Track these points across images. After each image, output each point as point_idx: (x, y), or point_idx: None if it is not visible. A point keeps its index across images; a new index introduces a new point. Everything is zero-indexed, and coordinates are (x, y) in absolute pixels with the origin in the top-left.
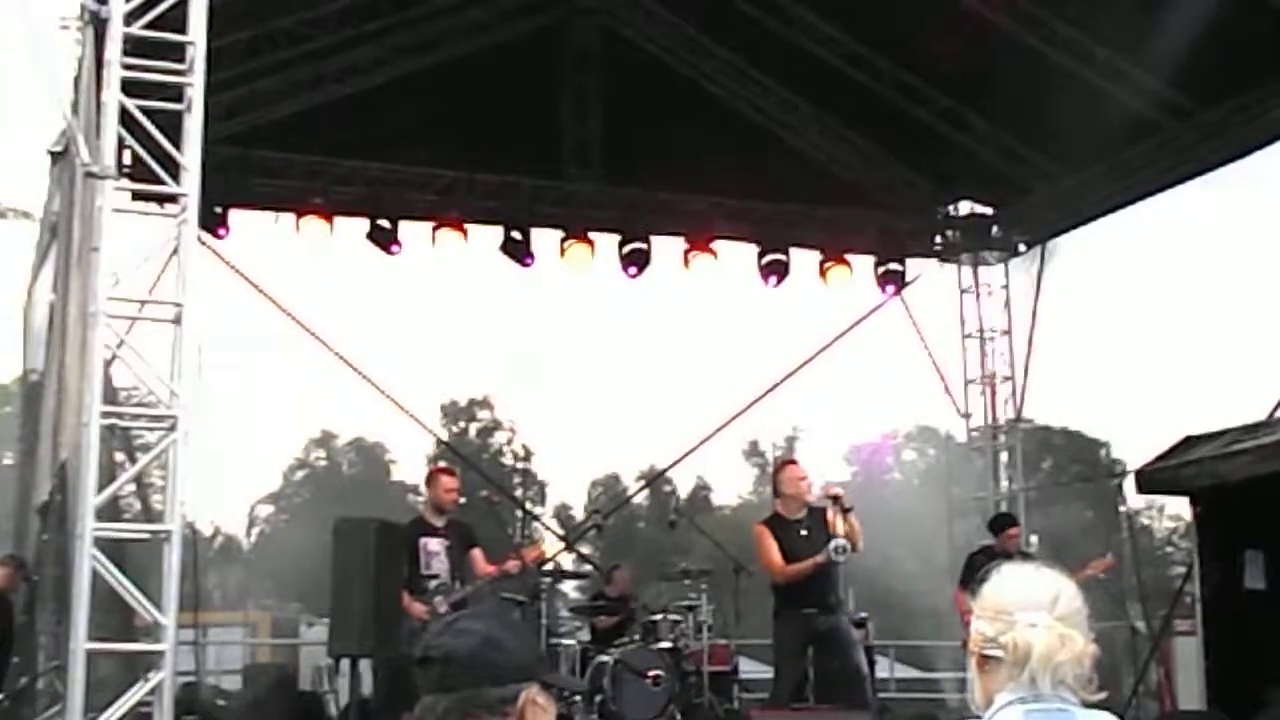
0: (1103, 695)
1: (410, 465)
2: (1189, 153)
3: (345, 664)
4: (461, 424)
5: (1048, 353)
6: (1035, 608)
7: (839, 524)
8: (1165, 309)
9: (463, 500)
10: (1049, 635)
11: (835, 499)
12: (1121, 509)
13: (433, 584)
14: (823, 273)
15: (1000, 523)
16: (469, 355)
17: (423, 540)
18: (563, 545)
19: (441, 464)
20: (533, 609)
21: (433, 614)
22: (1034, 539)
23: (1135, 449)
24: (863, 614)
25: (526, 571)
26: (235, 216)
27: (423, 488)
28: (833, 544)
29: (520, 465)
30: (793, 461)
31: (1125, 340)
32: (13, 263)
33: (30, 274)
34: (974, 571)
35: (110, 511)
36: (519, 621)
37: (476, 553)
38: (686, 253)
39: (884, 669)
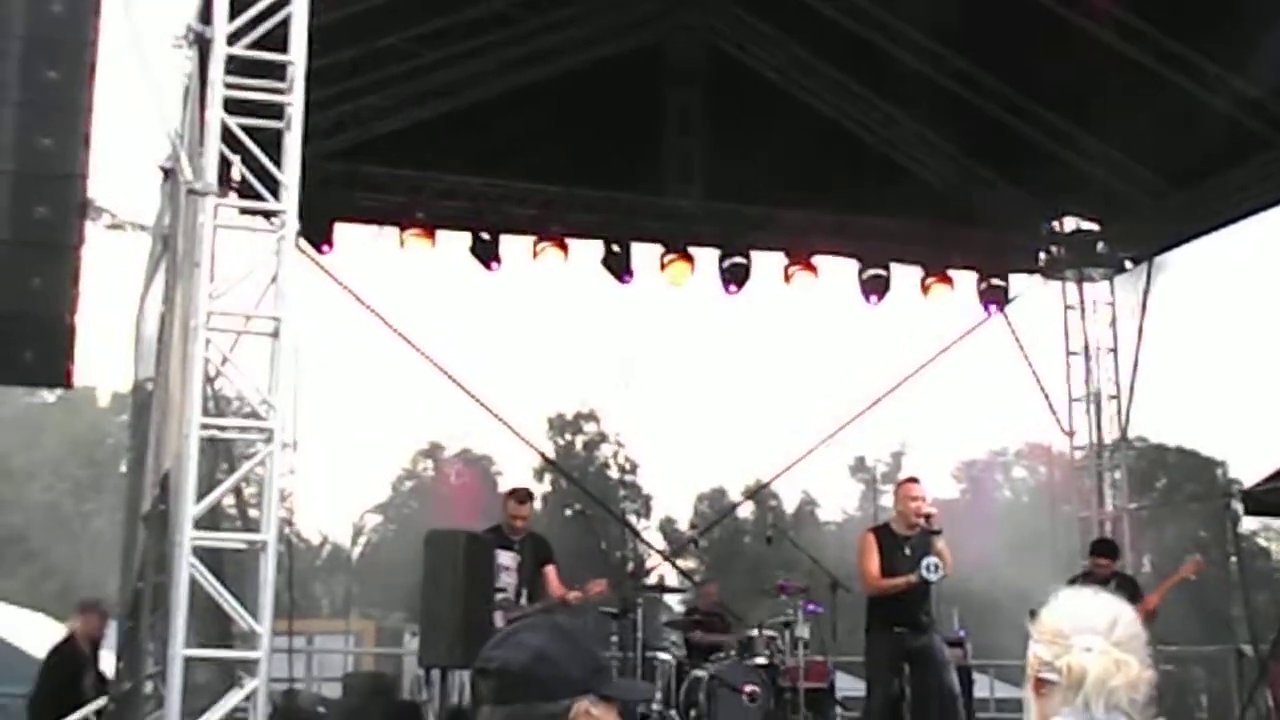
0: None
1: (517, 477)
2: None
3: (436, 674)
4: (568, 437)
5: (1157, 370)
6: (1091, 632)
7: (936, 547)
8: (1276, 326)
9: (568, 513)
10: (1104, 660)
11: (927, 517)
12: (1233, 530)
13: (498, 597)
14: (925, 289)
15: (1094, 549)
16: (574, 368)
17: (496, 552)
18: (663, 560)
19: (514, 486)
20: (628, 621)
21: (491, 629)
22: (1145, 560)
23: (1253, 469)
24: (961, 632)
25: (589, 602)
26: (340, 231)
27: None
28: (925, 563)
29: (626, 478)
30: (913, 480)
31: (1237, 357)
32: (129, 275)
33: (143, 286)
34: None
35: (211, 520)
36: (578, 633)
37: (549, 570)
38: (787, 269)
39: (983, 688)
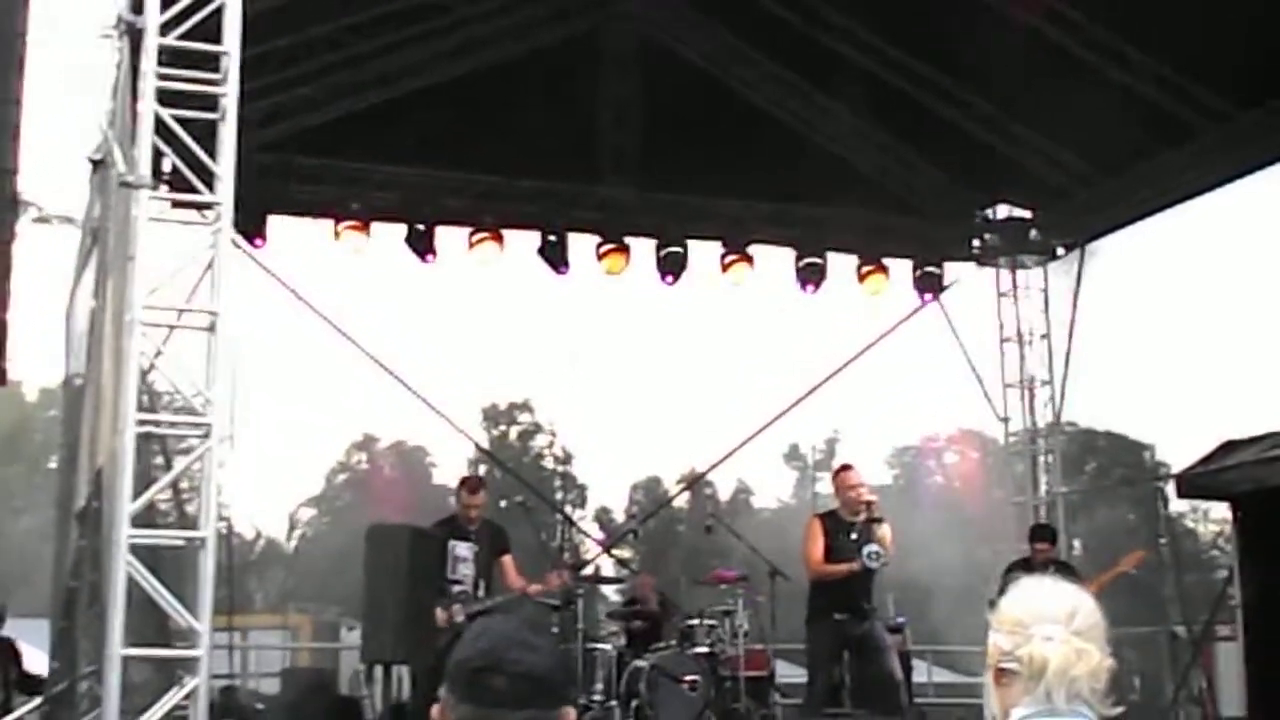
0: (1119, 710)
1: (452, 468)
2: (1228, 156)
3: (379, 669)
4: (502, 427)
5: (1088, 356)
6: (1051, 621)
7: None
8: (1207, 311)
9: (502, 504)
10: (1065, 649)
11: (868, 505)
12: (1163, 513)
13: (455, 589)
14: (861, 277)
15: (1033, 534)
16: (509, 359)
17: (452, 543)
18: (601, 550)
19: (467, 475)
20: (569, 613)
21: (451, 621)
22: (1076, 543)
23: (1180, 452)
24: (900, 619)
25: (551, 592)
26: (273, 223)
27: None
28: (867, 550)
29: (561, 468)
30: (848, 467)
31: (1168, 343)
32: (56, 268)
33: (72, 279)
34: (1009, 582)
35: (147, 516)
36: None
37: (507, 560)
38: (723, 258)
39: (922, 673)
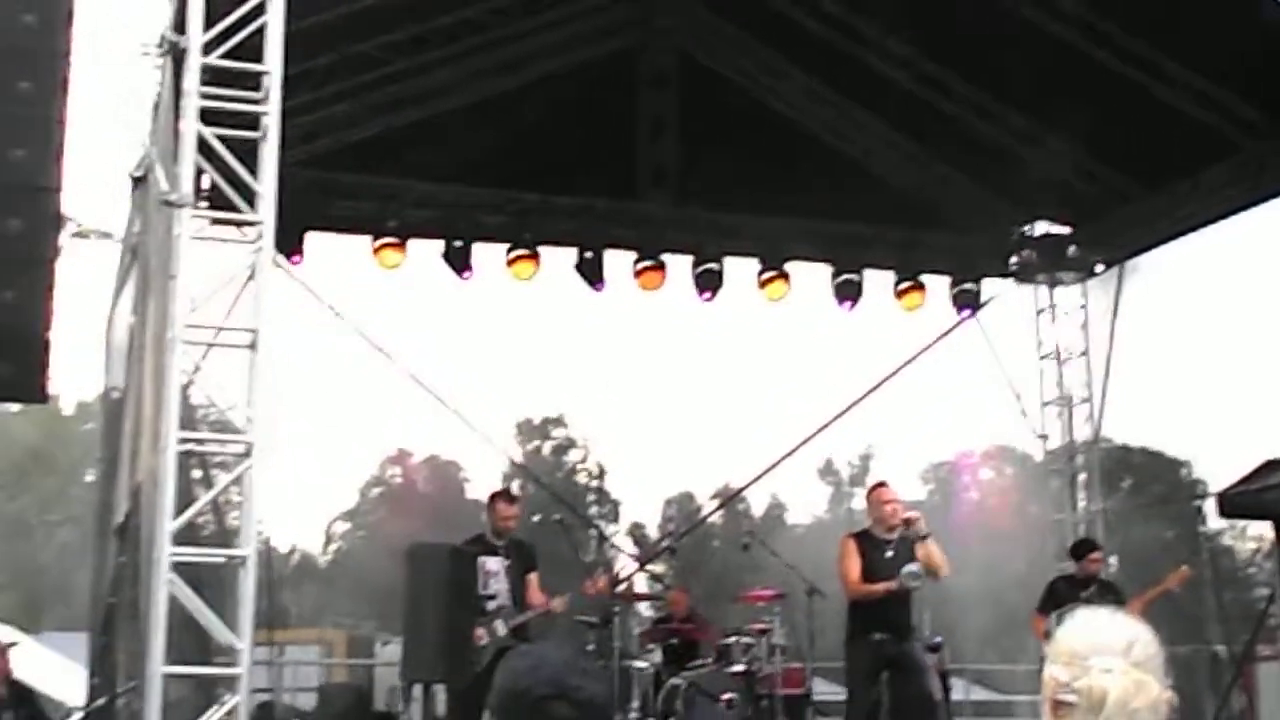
0: None
1: (485, 483)
2: (1268, 172)
3: (418, 687)
4: (536, 442)
5: (1127, 373)
6: (1110, 653)
7: (920, 551)
8: (1246, 329)
9: (535, 519)
10: (1124, 681)
11: (907, 523)
12: (1201, 530)
13: (490, 604)
14: (898, 294)
15: (1082, 548)
16: (544, 374)
17: (482, 559)
18: (636, 566)
19: (500, 488)
20: (606, 632)
21: (492, 636)
22: (1113, 560)
23: (1217, 468)
24: (938, 638)
25: (591, 599)
26: (311, 239)
27: (487, 508)
28: (906, 570)
29: (594, 483)
30: (883, 484)
31: (1206, 360)
32: (95, 282)
33: (112, 295)
34: (1054, 598)
35: (188, 532)
36: None
37: (532, 578)
38: (760, 275)
39: (959, 692)
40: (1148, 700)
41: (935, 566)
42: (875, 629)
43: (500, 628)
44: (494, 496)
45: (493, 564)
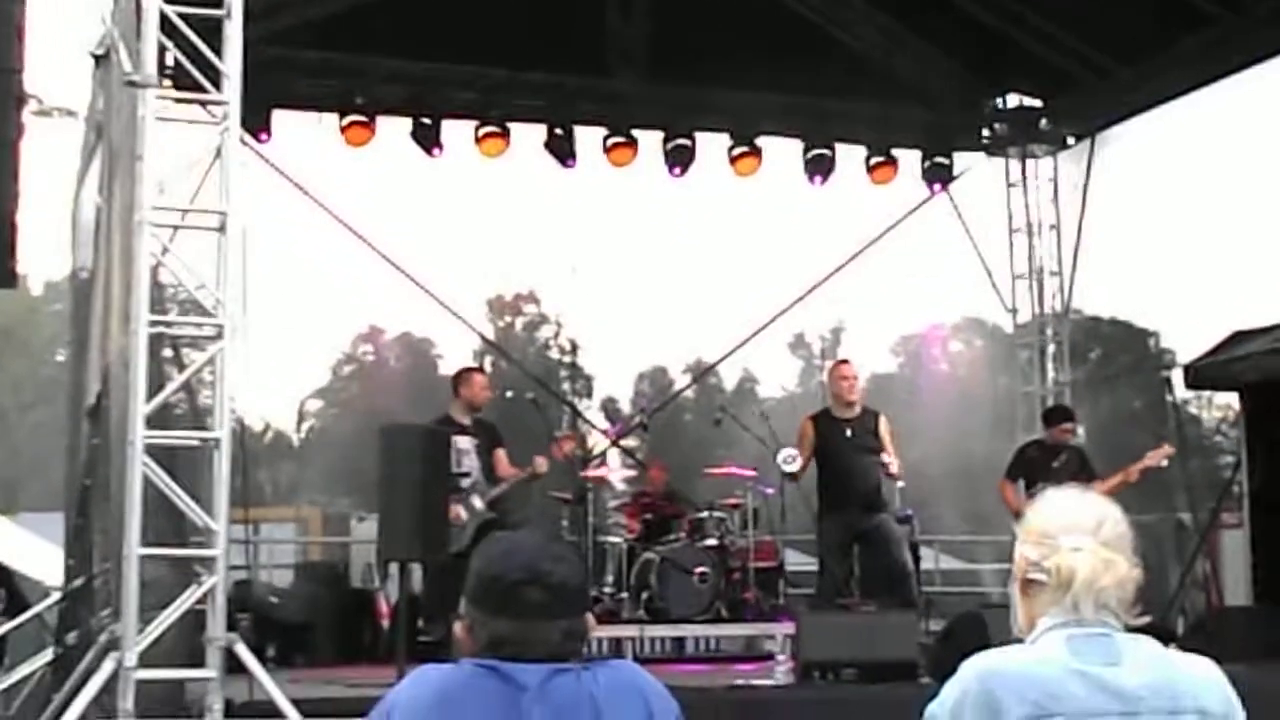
0: (1146, 619)
1: (457, 360)
2: (1241, 44)
3: (394, 565)
4: (507, 318)
5: (1097, 245)
6: (1079, 532)
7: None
8: (1217, 201)
9: (508, 395)
10: (1092, 559)
11: (891, 475)
12: (1169, 399)
13: (465, 483)
14: (869, 169)
15: (1055, 415)
16: (515, 252)
17: (454, 438)
18: (610, 441)
19: (468, 365)
20: (579, 508)
21: (470, 512)
22: (1080, 430)
23: (1185, 338)
24: (907, 510)
25: (568, 463)
26: (278, 117)
27: (456, 386)
28: (781, 454)
29: (566, 359)
30: (844, 361)
31: (1177, 232)
32: (59, 161)
33: (77, 173)
34: (1022, 463)
35: (160, 414)
36: None
37: (500, 453)
38: (731, 154)
39: (929, 561)
40: (1116, 578)
41: (889, 468)
42: (847, 503)
43: (477, 502)
44: (468, 371)
45: (464, 442)
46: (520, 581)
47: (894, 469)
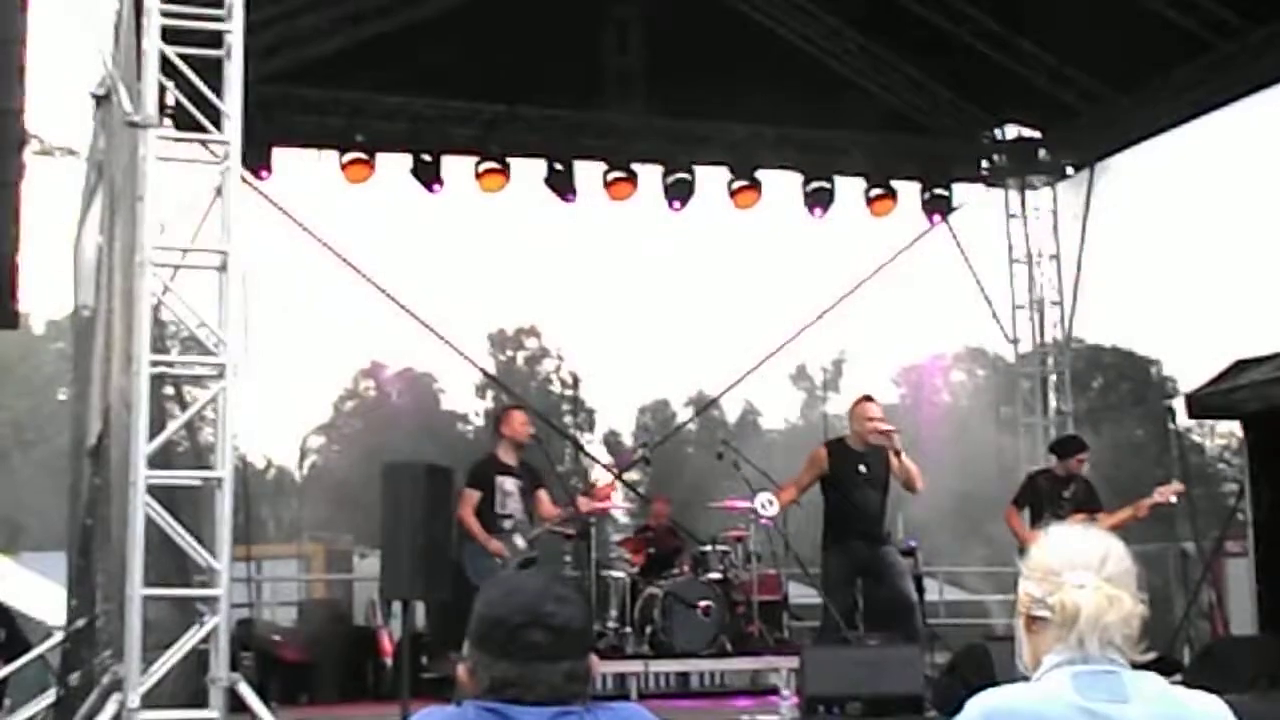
0: (1152, 655)
1: (458, 395)
2: (1239, 71)
3: (397, 603)
4: (509, 353)
5: (1098, 275)
6: (1083, 568)
7: (895, 464)
8: (1217, 229)
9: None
10: (1097, 596)
11: (885, 434)
12: (1171, 428)
13: (507, 524)
14: (869, 201)
15: (1069, 446)
16: (516, 286)
17: (499, 479)
18: (613, 476)
19: (511, 406)
20: (582, 543)
21: (512, 550)
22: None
23: (1186, 367)
24: (911, 541)
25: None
26: (278, 155)
27: (498, 426)
28: (757, 500)
29: (568, 393)
30: (868, 398)
31: (1177, 260)
32: (60, 200)
33: (79, 212)
34: (1032, 492)
35: (162, 453)
36: None
37: (542, 494)
38: (730, 184)
39: (933, 592)
40: (1121, 614)
41: (910, 480)
42: (852, 536)
43: (519, 540)
44: (508, 410)
45: (509, 484)
46: (523, 624)
47: (914, 476)
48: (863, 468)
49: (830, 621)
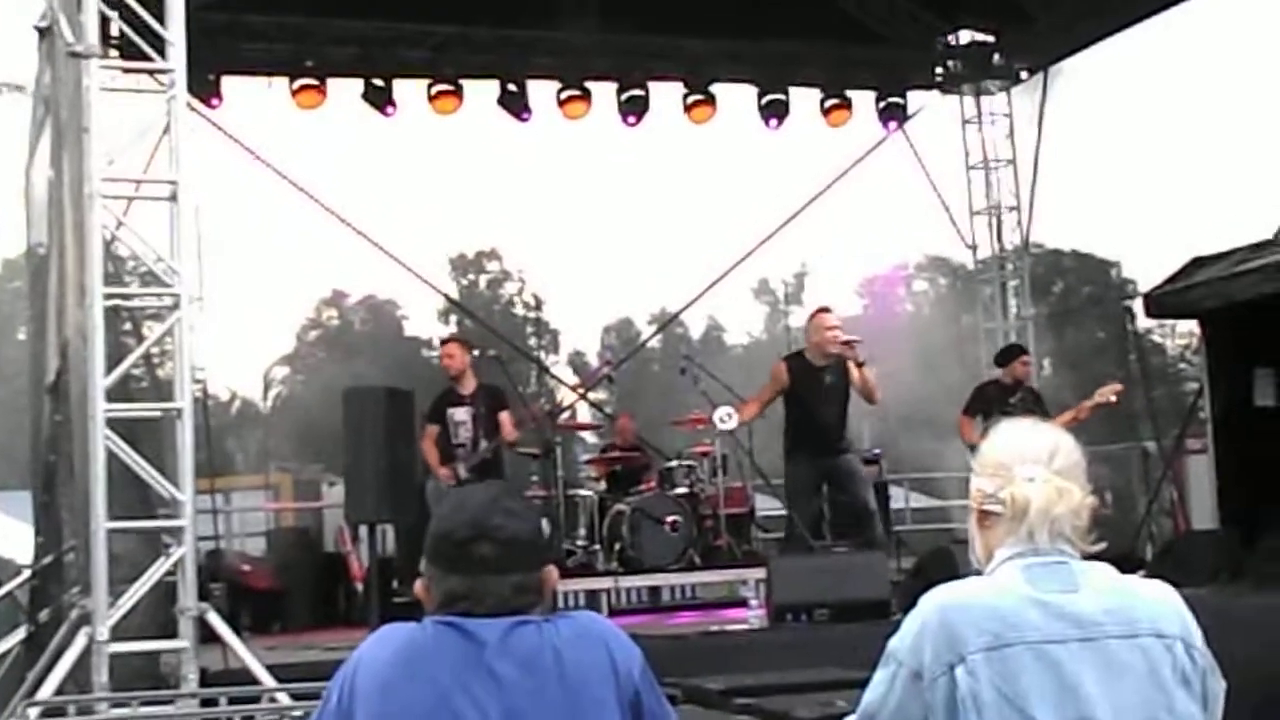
0: (1101, 546)
1: (422, 321)
2: None
3: (364, 528)
4: (471, 276)
5: (1055, 179)
6: (1033, 462)
7: (855, 375)
8: (1172, 129)
9: (475, 352)
10: (1046, 489)
11: (847, 345)
12: (1130, 329)
13: (460, 453)
14: (824, 111)
15: (1009, 354)
16: (475, 209)
17: (450, 411)
18: (577, 395)
19: (446, 338)
20: (548, 462)
21: (455, 477)
22: (1046, 363)
23: (1146, 268)
24: (876, 450)
25: (540, 425)
26: (228, 84)
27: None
28: (717, 414)
29: (532, 314)
30: (825, 309)
31: (1133, 162)
32: (9, 138)
33: (28, 148)
34: (981, 401)
35: (121, 388)
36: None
37: (504, 416)
38: (686, 103)
39: (899, 499)
40: (1070, 506)
41: (869, 392)
42: (813, 445)
43: (461, 469)
44: (443, 342)
45: (459, 414)
46: (467, 538)
47: (873, 387)
48: (823, 379)
49: (795, 531)
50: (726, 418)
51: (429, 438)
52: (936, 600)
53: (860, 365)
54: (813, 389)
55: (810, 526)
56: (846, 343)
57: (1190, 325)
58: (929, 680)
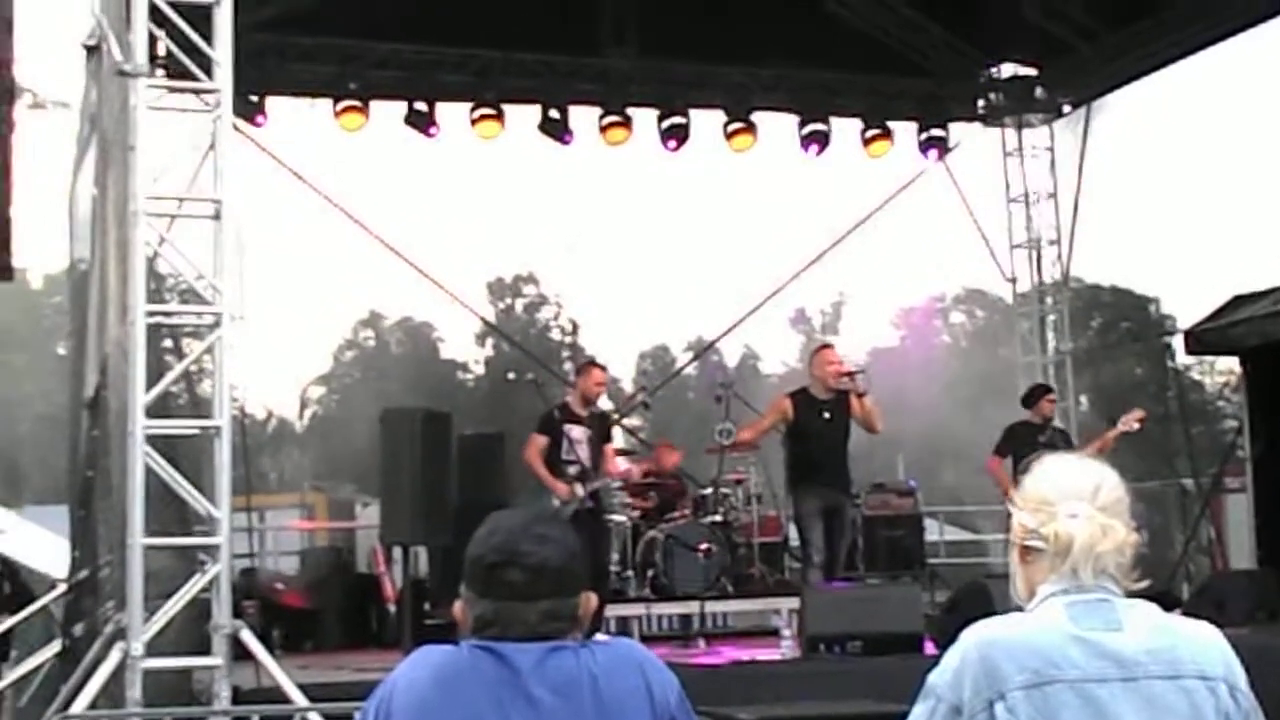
0: (1145, 584)
1: (458, 343)
2: (1234, 7)
3: (398, 549)
4: (508, 300)
5: (1095, 213)
6: (1076, 498)
7: (856, 407)
8: (1214, 165)
9: (510, 377)
10: (1090, 525)
11: (850, 375)
12: (1170, 365)
13: (573, 469)
14: (865, 141)
15: (1035, 394)
16: (513, 233)
17: (568, 427)
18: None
19: (588, 359)
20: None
21: (573, 496)
22: (1083, 399)
23: (1184, 304)
24: (912, 482)
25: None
26: (272, 104)
27: (577, 376)
28: (719, 427)
29: (567, 340)
30: (828, 346)
31: (1174, 197)
32: (55, 154)
33: (72, 166)
34: (1010, 441)
35: (160, 404)
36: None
37: (609, 448)
38: (727, 130)
39: (933, 532)
40: (1114, 543)
41: (870, 422)
42: (815, 480)
43: (580, 490)
44: (588, 365)
45: (577, 432)
46: (496, 564)
47: (875, 417)
48: (827, 415)
49: (810, 553)
50: (725, 433)
51: (535, 447)
52: (977, 635)
53: (861, 396)
54: (816, 424)
55: (822, 549)
56: (848, 373)
57: (1230, 362)
58: (968, 716)
